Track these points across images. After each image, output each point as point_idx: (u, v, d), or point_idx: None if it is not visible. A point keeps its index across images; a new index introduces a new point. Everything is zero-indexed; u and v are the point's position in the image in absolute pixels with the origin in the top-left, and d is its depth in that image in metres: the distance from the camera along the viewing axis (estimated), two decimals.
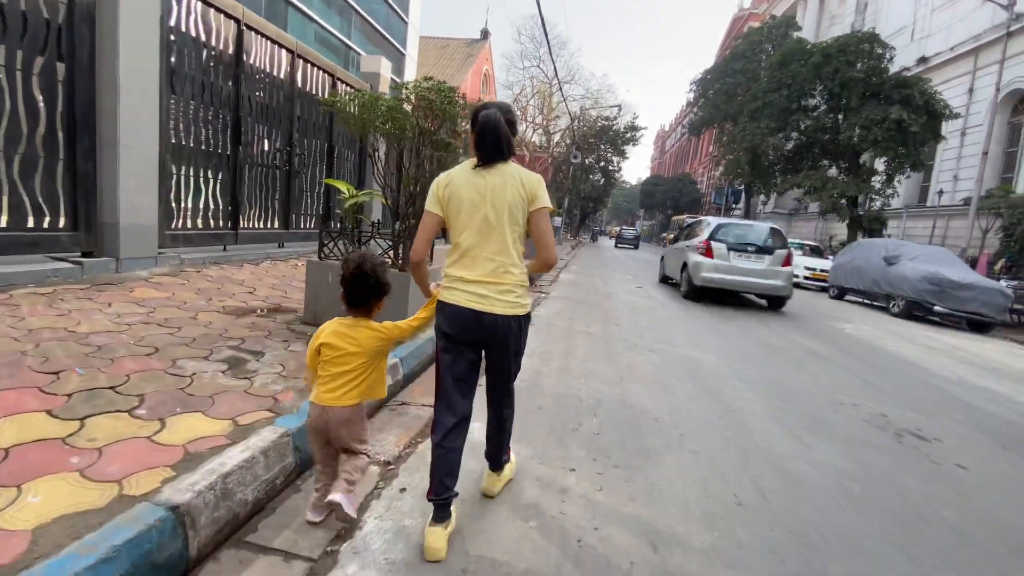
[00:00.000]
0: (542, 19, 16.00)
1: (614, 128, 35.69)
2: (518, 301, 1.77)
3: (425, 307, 1.93)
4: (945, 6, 22.42)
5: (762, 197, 34.80)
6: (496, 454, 2.10)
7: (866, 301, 12.12)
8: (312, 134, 8.02)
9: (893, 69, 18.44)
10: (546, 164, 33.80)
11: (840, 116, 19.51)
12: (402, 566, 1.65)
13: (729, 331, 6.84)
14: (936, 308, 9.39)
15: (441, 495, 1.75)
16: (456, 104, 3.75)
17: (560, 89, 26.02)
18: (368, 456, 1.89)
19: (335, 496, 1.65)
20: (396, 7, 16.19)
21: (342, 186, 4.53)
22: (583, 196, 36.03)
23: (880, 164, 19.37)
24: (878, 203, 19.29)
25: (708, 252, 8.60)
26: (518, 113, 27.66)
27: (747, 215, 34.02)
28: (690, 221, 12.40)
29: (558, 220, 27.48)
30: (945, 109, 17.32)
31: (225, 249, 6.46)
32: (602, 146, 35.65)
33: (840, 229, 27.02)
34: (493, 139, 1.74)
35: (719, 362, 5.05)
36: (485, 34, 38.01)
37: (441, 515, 1.75)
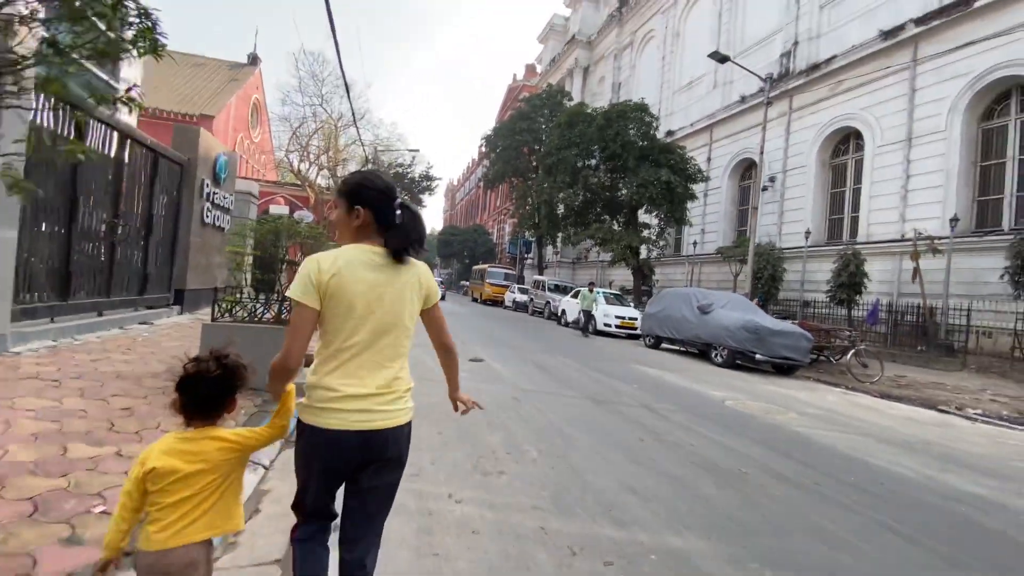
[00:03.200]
0: (340, 58, 13.37)
1: (409, 175, 34.29)
2: (407, 407, 1.55)
3: (280, 412, 1.46)
4: (682, 90, 27.43)
5: (550, 248, 37.39)
6: None
7: (685, 349, 12.21)
8: (133, 205, 7.28)
9: None
10: (334, 208, 30.10)
11: (617, 176, 21.49)
12: None
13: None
14: (757, 356, 9.50)
15: None
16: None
17: (355, 123, 23.24)
18: None
19: None
20: None
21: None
22: None
23: (652, 218, 21.75)
24: (655, 252, 21.48)
25: None
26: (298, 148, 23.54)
27: (539, 263, 35.80)
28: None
29: None
30: (698, 173, 20.26)
31: (53, 320, 5.49)
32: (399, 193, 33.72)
33: (617, 275, 30.07)
34: (422, 229, 1.58)
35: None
36: (254, 59, 33.08)
37: None
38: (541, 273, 34.59)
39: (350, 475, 1.49)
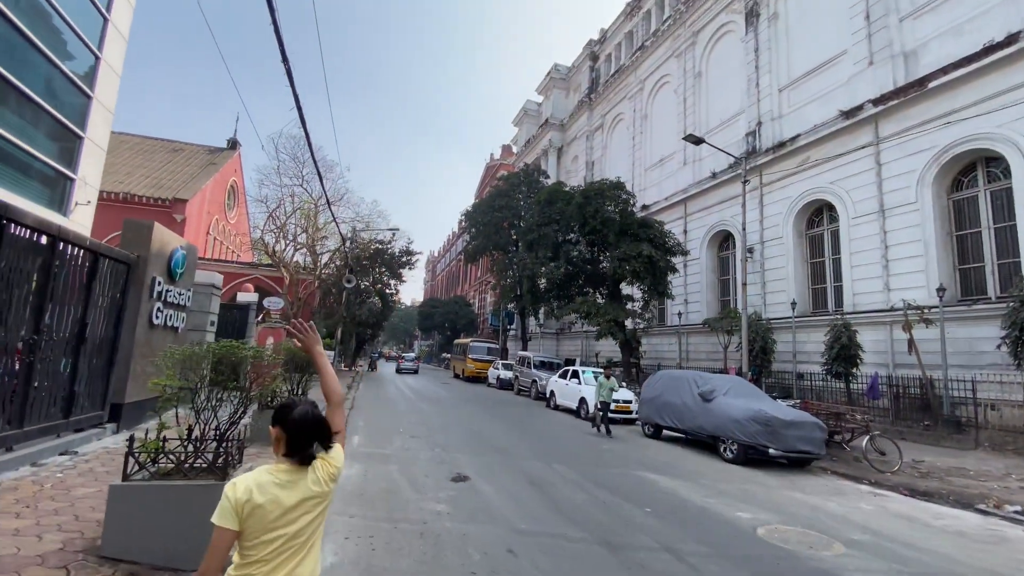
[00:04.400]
0: (309, 143, 13.21)
1: (389, 251, 33.94)
2: None
3: None
4: (654, 167, 28.28)
5: (533, 319, 36.78)
6: None
7: (686, 437, 11.25)
8: (64, 313, 6.36)
9: None
10: (311, 288, 29.20)
11: (598, 250, 21.41)
12: None
13: None
14: (771, 451, 8.63)
15: None
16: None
17: (330, 207, 22.93)
18: None
19: None
20: (71, 74, 11.20)
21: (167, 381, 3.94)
22: (359, 322, 32.10)
23: (635, 291, 21.45)
24: (642, 324, 20.96)
25: None
26: (275, 229, 22.99)
27: (522, 335, 34.96)
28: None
29: (331, 353, 22.78)
30: (677, 246, 20.26)
31: None
32: (378, 269, 33.19)
33: (602, 347, 29.36)
34: (314, 436, 1.68)
35: None
36: (233, 144, 33.39)
37: None
38: (525, 347, 33.67)
39: None
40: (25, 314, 5.56)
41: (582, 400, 15.12)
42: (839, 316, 16.28)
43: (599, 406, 12.29)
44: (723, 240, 23.51)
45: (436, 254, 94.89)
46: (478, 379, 30.54)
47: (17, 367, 5.46)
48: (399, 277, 35.91)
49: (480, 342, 35.47)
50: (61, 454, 6.14)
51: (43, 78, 10.39)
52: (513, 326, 40.35)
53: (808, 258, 19.55)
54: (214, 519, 1.54)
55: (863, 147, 17.04)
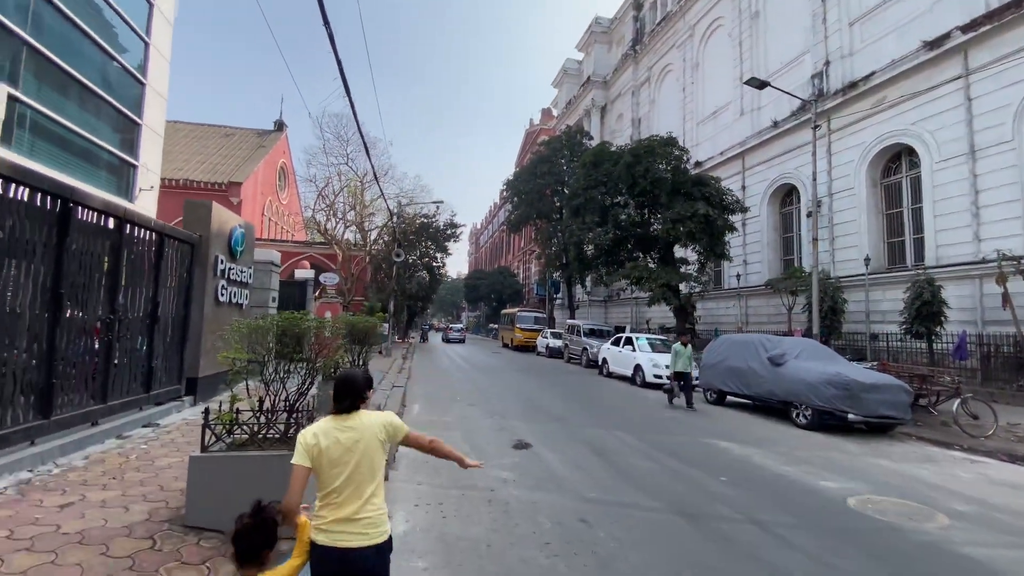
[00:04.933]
0: (353, 109, 13.11)
1: (434, 225, 34.12)
2: (380, 529, 2.00)
3: (298, 550, 1.97)
4: (707, 120, 26.62)
5: (580, 287, 36.25)
6: None
7: (753, 404, 10.74)
8: (136, 293, 6.59)
9: None
10: (363, 264, 29.88)
11: (648, 211, 20.51)
12: None
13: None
14: (850, 416, 8.05)
15: None
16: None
17: (377, 181, 23.08)
18: None
19: None
20: (127, 64, 11.51)
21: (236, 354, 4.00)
22: (409, 295, 32.73)
23: (690, 253, 20.55)
24: (697, 288, 20.11)
25: None
26: (324, 209, 23.41)
27: (569, 304, 34.57)
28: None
29: (385, 327, 23.35)
30: (736, 204, 19.09)
31: (33, 443, 4.74)
32: (424, 243, 33.52)
33: (653, 313, 28.58)
34: (350, 390, 2.09)
35: None
36: (280, 126, 34.09)
37: None
38: (572, 315, 33.32)
39: None
40: (100, 295, 5.79)
41: (637, 367, 14.74)
42: (920, 271, 14.94)
43: (673, 377, 10.90)
44: (785, 195, 21.99)
45: (479, 226, 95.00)
46: (526, 348, 30.61)
47: (97, 346, 5.72)
48: (445, 250, 36.16)
49: (527, 312, 35.41)
50: (144, 426, 6.49)
51: (99, 69, 10.73)
52: (559, 295, 39.97)
53: (883, 209, 17.97)
54: (292, 460, 1.99)
55: (950, 81, 15.21)
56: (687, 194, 18.03)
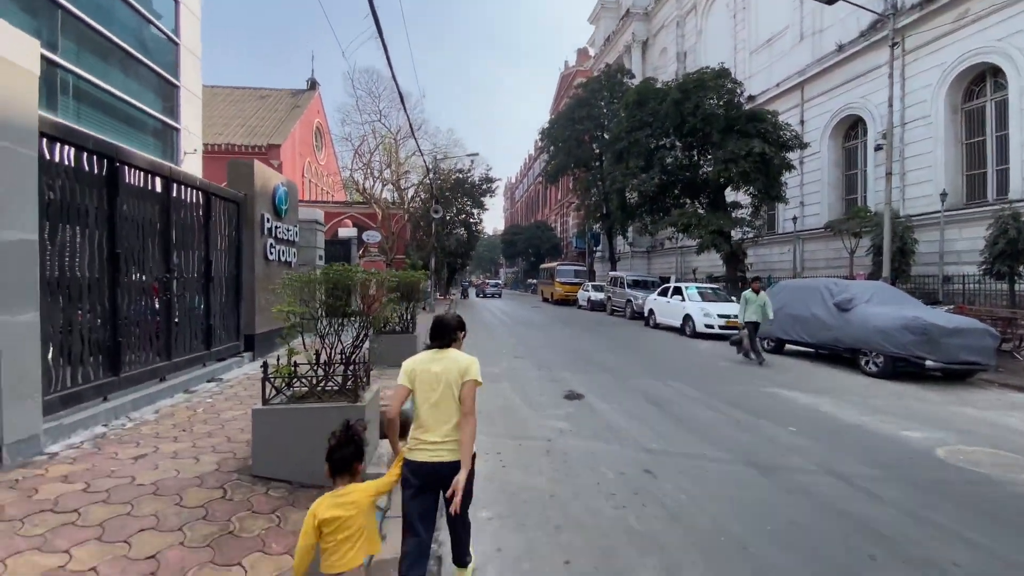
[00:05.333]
0: (390, 64, 12.59)
1: (470, 180, 33.58)
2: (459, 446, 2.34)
3: (396, 463, 2.39)
4: (760, 48, 24.45)
5: (621, 238, 35.27)
6: (460, 556, 2.58)
7: (815, 352, 10.22)
8: (189, 253, 6.69)
9: None
10: (402, 222, 29.98)
11: (698, 153, 19.32)
12: None
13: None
14: (928, 363, 7.47)
15: None
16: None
17: (413, 134, 22.64)
18: None
19: None
20: (160, 24, 11.39)
21: (289, 308, 3.95)
22: (448, 252, 32.81)
23: (742, 196, 19.39)
24: (750, 234, 19.09)
25: None
26: (361, 167, 23.25)
27: (610, 256, 33.80)
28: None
29: (427, 283, 23.56)
30: (795, 140, 17.68)
31: (106, 399, 4.91)
32: (460, 199, 33.15)
33: (700, 262, 27.56)
34: (443, 330, 2.53)
35: None
36: (312, 84, 33.82)
37: None
38: (614, 267, 32.63)
39: (431, 493, 2.37)
40: (155, 255, 5.87)
41: (687, 317, 14.27)
42: (1005, 205, 13.51)
43: (745, 331, 9.70)
44: (849, 128, 20.18)
45: (513, 180, 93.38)
46: (566, 302, 30.39)
47: (157, 305, 5.86)
48: (481, 205, 35.68)
49: (567, 265, 34.92)
50: (208, 381, 6.72)
51: (133, 32, 10.64)
52: (599, 248, 39.11)
53: (962, 139, 16.21)
54: (397, 381, 2.42)
55: None
56: (741, 131, 16.78)
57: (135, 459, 3.92)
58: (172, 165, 6.34)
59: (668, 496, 3.77)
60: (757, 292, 9.72)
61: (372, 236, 23.91)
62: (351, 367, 4.05)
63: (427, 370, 2.38)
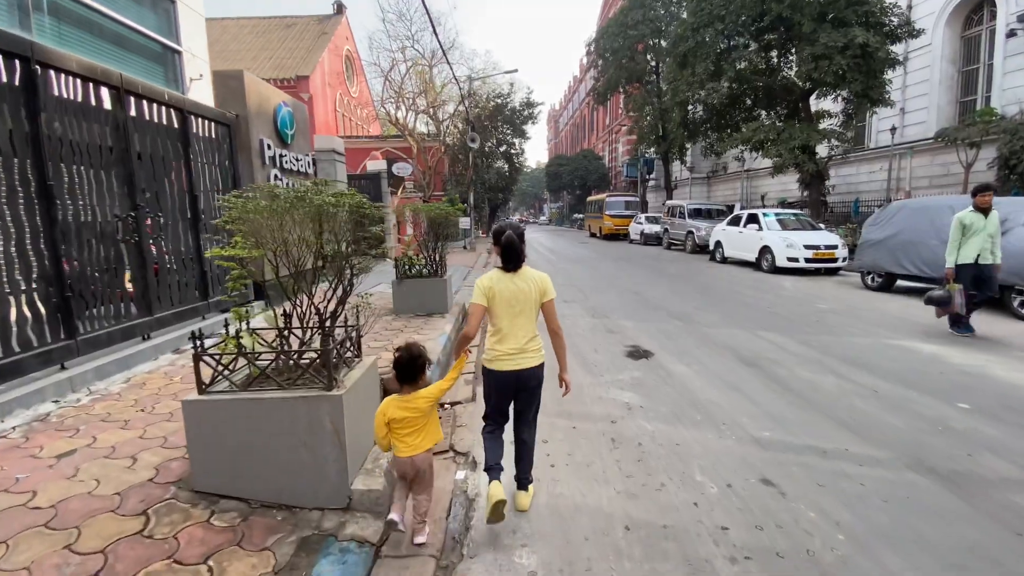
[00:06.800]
0: None
1: (509, 106, 30.91)
2: (537, 353, 2.61)
3: (455, 367, 2.49)
4: None
5: (678, 163, 32.12)
6: (523, 476, 2.73)
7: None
8: (164, 188, 5.47)
9: None
10: (438, 155, 28.25)
11: (778, 53, 16.24)
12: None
13: None
14: None
15: (491, 465, 2.56)
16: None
17: (445, 56, 20.40)
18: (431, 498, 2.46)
19: (394, 516, 2.25)
20: None
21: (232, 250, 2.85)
22: (489, 187, 30.98)
23: (829, 104, 16.36)
24: (840, 148, 16.23)
25: None
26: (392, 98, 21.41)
27: (666, 184, 30.93)
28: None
29: (466, 220, 22.22)
30: (904, 28, 14.36)
31: (63, 367, 4.06)
32: (500, 127, 30.74)
33: (770, 186, 24.53)
34: (515, 255, 2.55)
35: None
36: (339, 7, 31.47)
37: (494, 476, 2.50)
38: (670, 196, 29.87)
39: (512, 394, 2.65)
40: (112, 187, 4.71)
41: (764, 249, 12.25)
42: None
43: (952, 277, 5.83)
44: (971, 11, 16.24)
45: (557, 107, 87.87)
46: (616, 237, 28.32)
47: (124, 250, 4.79)
48: (523, 134, 33.08)
49: (616, 196, 32.30)
50: (206, 337, 5.77)
51: None
52: (652, 175, 35.98)
53: None
54: (471, 300, 2.59)
55: None
56: (838, 19, 13.64)
57: (58, 458, 2.92)
58: (123, 73, 5.02)
59: (813, 531, 2.38)
60: (986, 212, 5.75)
61: (403, 168, 22.44)
62: (329, 338, 2.79)
63: (507, 288, 2.53)
